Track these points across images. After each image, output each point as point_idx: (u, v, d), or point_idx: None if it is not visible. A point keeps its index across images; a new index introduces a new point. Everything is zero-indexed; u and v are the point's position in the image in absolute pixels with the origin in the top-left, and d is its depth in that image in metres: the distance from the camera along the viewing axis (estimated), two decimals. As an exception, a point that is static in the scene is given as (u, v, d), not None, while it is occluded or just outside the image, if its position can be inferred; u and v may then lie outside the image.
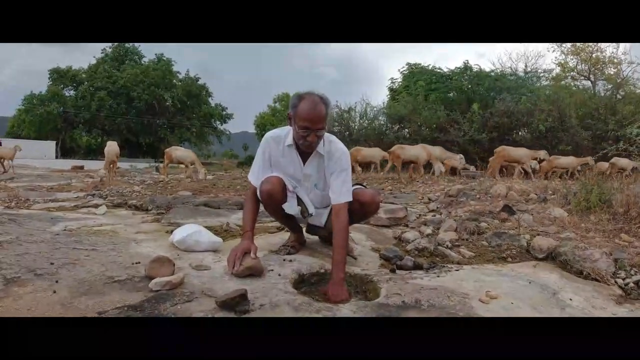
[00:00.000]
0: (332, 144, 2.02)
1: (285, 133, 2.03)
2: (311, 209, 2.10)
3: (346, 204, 1.93)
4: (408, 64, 20.56)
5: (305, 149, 1.95)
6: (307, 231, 2.36)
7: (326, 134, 1.97)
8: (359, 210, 2.07)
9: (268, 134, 2.07)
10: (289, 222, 2.25)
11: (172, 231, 2.38)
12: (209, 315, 1.37)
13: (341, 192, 1.94)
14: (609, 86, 17.79)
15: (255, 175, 2.05)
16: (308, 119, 1.81)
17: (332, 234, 1.91)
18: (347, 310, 1.51)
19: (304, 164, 2.03)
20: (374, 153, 11.29)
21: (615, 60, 20.54)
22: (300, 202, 2.07)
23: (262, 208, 2.08)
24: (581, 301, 1.75)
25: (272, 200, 1.97)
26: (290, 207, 2.03)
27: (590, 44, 20.42)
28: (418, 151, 9.17)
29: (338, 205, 1.93)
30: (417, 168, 9.23)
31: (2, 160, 11.80)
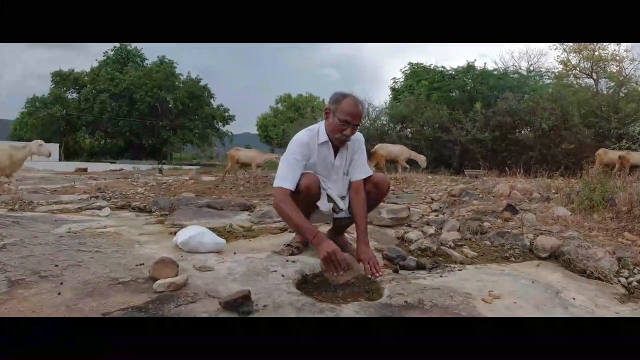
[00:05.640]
0: None
1: (313, 133, 2.12)
2: (341, 205, 2.20)
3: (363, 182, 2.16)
4: (410, 63, 20.51)
5: (339, 143, 2.11)
6: (335, 225, 2.38)
7: None
8: (373, 191, 2.22)
9: (303, 138, 2.10)
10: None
11: (175, 233, 2.39)
12: (213, 316, 1.38)
13: (362, 170, 2.20)
14: (612, 84, 17.69)
15: (288, 179, 2.01)
16: (351, 114, 1.99)
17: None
18: (350, 310, 1.52)
19: (334, 157, 2.17)
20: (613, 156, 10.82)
21: (617, 57, 20.39)
22: (329, 199, 2.18)
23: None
24: (584, 300, 1.74)
25: (309, 193, 2.04)
26: (323, 204, 2.14)
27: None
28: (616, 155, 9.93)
29: (358, 182, 2.17)
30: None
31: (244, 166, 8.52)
